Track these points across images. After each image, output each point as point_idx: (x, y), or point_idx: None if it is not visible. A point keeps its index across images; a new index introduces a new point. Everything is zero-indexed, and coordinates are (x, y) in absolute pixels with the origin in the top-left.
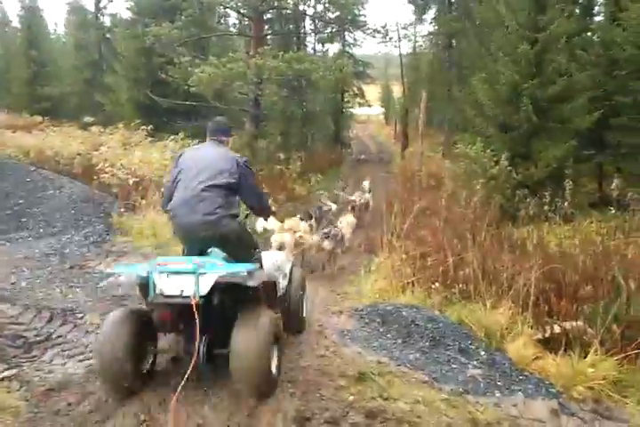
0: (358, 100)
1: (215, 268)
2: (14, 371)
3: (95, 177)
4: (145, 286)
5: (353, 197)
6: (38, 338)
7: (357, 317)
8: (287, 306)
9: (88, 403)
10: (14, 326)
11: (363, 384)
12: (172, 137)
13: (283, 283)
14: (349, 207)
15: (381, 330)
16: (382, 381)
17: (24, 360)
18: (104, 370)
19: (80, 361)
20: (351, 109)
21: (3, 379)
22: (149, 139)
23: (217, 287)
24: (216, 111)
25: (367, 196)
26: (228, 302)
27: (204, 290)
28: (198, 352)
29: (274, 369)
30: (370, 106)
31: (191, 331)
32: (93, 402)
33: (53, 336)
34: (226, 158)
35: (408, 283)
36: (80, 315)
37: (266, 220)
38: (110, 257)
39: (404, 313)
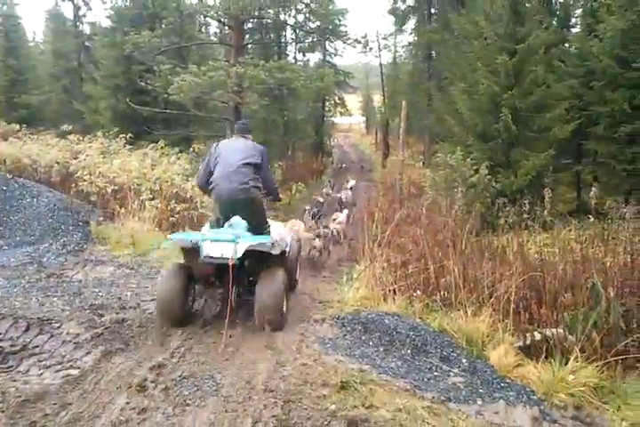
0: (339, 109)
1: (247, 238)
2: None
3: (73, 185)
4: (190, 250)
5: (340, 195)
6: (14, 348)
7: (339, 325)
8: (288, 266)
9: (65, 414)
10: None
11: (345, 393)
12: (152, 145)
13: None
14: (337, 203)
15: (363, 338)
16: (364, 389)
17: None
18: (162, 306)
19: (57, 371)
20: (332, 118)
21: None
22: (128, 147)
23: (247, 253)
24: (196, 120)
25: (349, 194)
26: (253, 264)
27: (239, 254)
28: (232, 297)
29: (285, 309)
30: (351, 115)
31: (227, 283)
32: (70, 413)
33: (30, 346)
34: (253, 147)
35: (390, 291)
36: (57, 324)
37: (272, 200)
38: (88, 266)
39: (385, 321)
